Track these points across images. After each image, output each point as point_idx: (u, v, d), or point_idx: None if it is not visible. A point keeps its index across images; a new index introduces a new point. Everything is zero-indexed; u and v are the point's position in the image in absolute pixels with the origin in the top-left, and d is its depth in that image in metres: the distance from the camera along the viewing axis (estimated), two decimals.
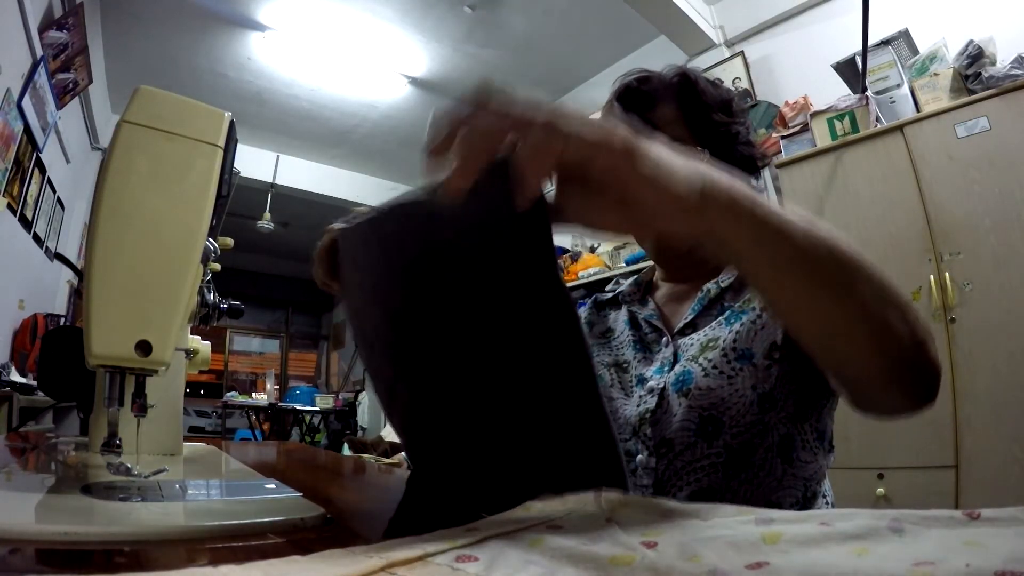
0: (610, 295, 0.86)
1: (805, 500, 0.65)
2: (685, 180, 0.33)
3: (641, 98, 0.73)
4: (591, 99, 3.94)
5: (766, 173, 2.53)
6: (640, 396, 0.70)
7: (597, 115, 0.48)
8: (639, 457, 0.67)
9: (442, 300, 0.35)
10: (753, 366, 0.62)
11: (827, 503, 0.67)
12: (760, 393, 0.61)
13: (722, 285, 0.72)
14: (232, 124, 0.52)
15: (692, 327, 0.72)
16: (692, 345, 0.69)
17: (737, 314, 0.67)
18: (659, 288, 0.82)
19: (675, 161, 0.34)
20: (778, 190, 2.43)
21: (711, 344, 0.67)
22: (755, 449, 0.61)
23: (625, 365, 0.75)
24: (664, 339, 0.73)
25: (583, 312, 0.87)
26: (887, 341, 0.39)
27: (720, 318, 0.69)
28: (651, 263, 0.87)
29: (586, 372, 0.33)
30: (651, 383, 0.69)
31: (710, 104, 0.73)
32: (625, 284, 0.84)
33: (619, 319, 0.81)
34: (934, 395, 0.44)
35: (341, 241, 0.43)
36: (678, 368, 0.67)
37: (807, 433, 0.63)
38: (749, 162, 0.77)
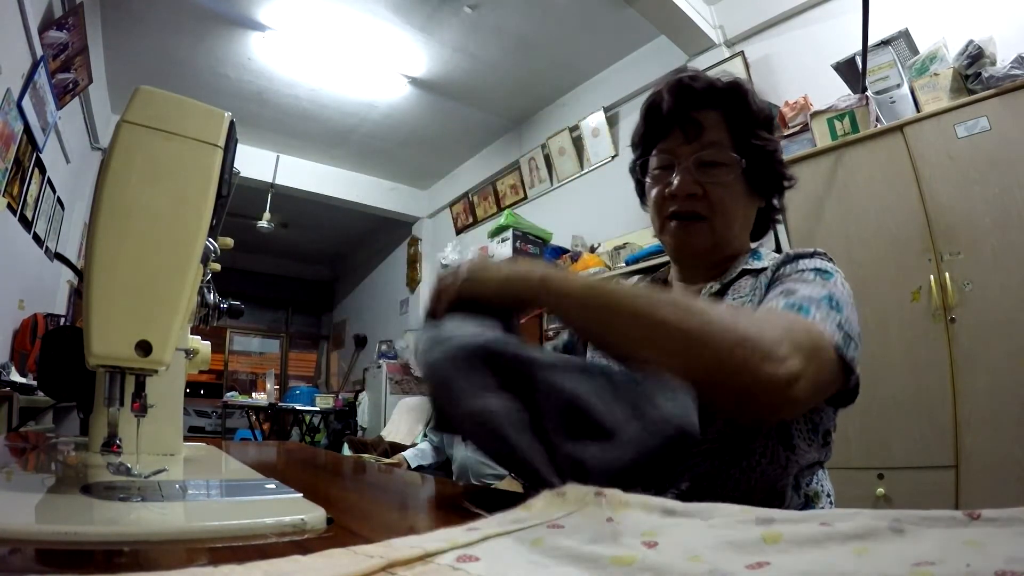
0: None
1: (806, 498, 0.66)
2: (527, 273, 0.54)
3: (691, 95, 0.74)
4: (591, 99, 3.94)
5: None
6: None
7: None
8: None
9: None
10: None
11: (830, 503, 0.68)
12: None
13: (723, 282, 0.74)
14: (232, 124, 0.52)
15: None
16: None
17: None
18: (672, 290, 0.83)
19: (520, 266, 0.56)
20: None
21: None
22: (754, 436, 0.62)
23: None
24: None
25: None
26: (691, 371, 0.47)
27: None
28: (661, 265, 0.90)
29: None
30: None
31: (756, 118, 0.74)
32: (642, 285, 0.86)
33: None
34: (777, 409, 0.52)
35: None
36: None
37: (800, 424, 0.65)
38: (778, 180, 0.78)
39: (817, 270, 0.65)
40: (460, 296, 0.55)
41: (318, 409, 4.83)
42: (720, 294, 0.73)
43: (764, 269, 0.72)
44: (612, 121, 3.81)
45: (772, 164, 0.76)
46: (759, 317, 0.55)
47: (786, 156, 2.26)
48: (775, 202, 0.81)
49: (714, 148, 0.72)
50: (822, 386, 0.56)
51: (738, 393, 0.49)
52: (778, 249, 2.68)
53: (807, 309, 0.57)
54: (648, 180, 0.79)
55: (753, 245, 0.83)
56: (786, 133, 2.43)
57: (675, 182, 0.73)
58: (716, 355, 0.48)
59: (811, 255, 0.70)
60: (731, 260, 0.77)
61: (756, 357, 0.48)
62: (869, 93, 2.18)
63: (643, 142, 0.80)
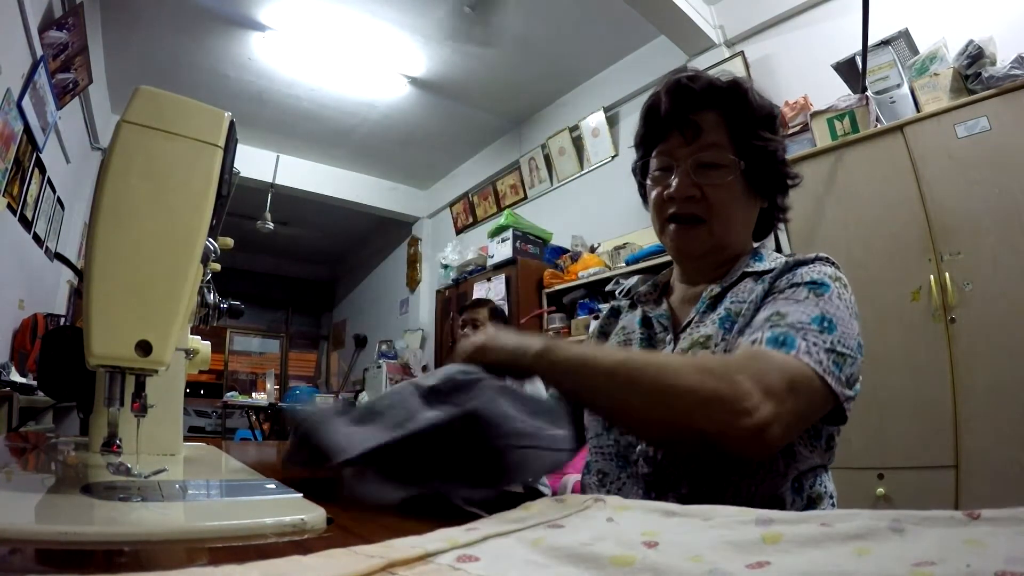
0: (627, 301, 0.89)
1: (809, 500, 0.65)
2: (528, 347, 0.62)
3: (689, 96, 0.74)
4: (591, 99, 3.94)
5: None
6: None
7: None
8: (639, 447, 0.68)
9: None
10: None
11: (832, 504, 0.68)
12: None
13: (723, 285, 0.73)
14: (232, 124, 0.52)
15: (692, 325, 0.73)
16: (684, 341, 0.71)
17: (732, 319, 0.68)
18: (674, 291, 0.83)
19: (518, 338, 0.64)
20: None
21: (701, 341, 0.68)
22: None
23: None
24: (668, 337, 0.75)
25: (596, 325, 0.93)
26: (665, 429, 0.56)
27: (714, 316, 0.70)
28: (663, 267, 0.91)
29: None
30: None
31: (756, 117, 0.74)
32: (643, 285, 0.86)
33: (633, 319, 0.84)
34: (752, 455, 0.54)
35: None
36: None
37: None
38: (780, 179, 0.78)
39: (812, 284, 0.65)
40: (471, 360, 0.63)
41: None
42: (720, 297, 0.73)
43: (765, 272, 0.72)
44: (612, 121, 3.81)
45: (773, 164, 0.75)
46: (731, 365, 0.55)
47: (786, 156, 2.28)
48: (779, 201, 0.81)
49: (712, 150, 0.72)
50: (805, 417, 0.58)
51: (713, 444, 0.53)
52: (778, 248, 2.68)
53: (791, 341, 0.57)
54: (648, 182, 0.79)
55: (756, 244, 0.82)
56: (786, 133, 2.43)
57: (673, 184, 0.73)
58: (687, 414, 0.53)
59: (812, 261, 0.69)
60: (733, 261, 0.77)
61: (725, 412, 0.51)
62: (869, 93, 2.18)
63: (643, 144, 0.80)
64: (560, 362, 0.59)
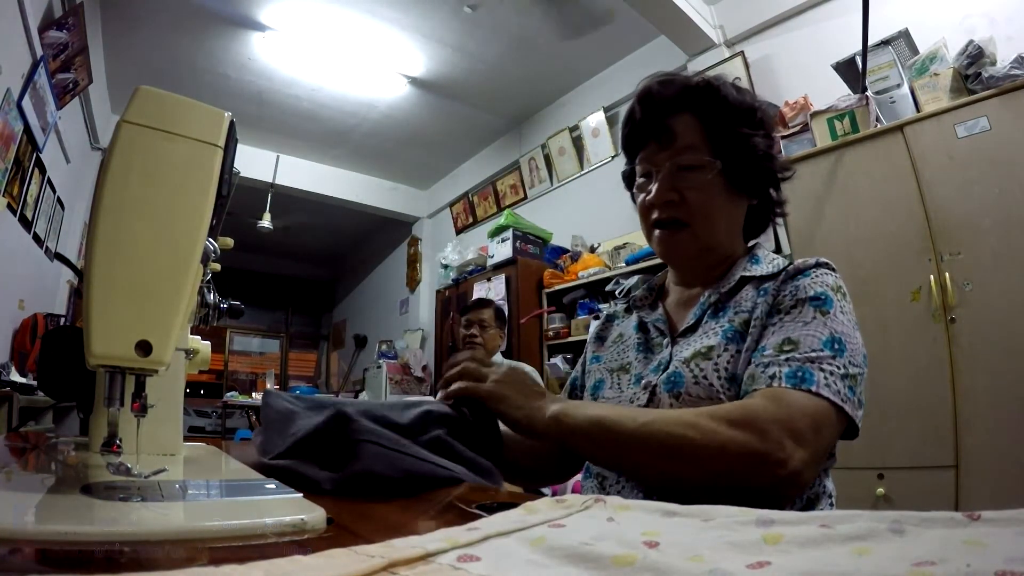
0: (623, 306, 0.89)
1: (808, 501, 0.65)
2: (541, 411, 0.63)
3: (661, 102, 0.74)
4: (591, 99, 3.94)
5: None
6: (633, 392, 0.72)
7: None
8: None
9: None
10: (740, 389, 0.64)
11: (831, 504, 0.68)
12: None
13: (722, 291, 0.73)
14: (232, 124, 0.52)
15: (692, 331, 0.73)
16: (685, 348, 0.71)
17: (736, 329, 0.68)
18: (670, 294, 0.83)
19: (526, 395, 0.66)
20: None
21: (704, 352, 0.68)
22: None
23: (627, 367, 0.78)
24: (665, 341, 0.75)
25: (593, 329, 0.94)
26: (697, 482, 0.55)
27: (716, 326, 0.70)
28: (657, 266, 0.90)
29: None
30: (645, 380, 0.72)
31: (733, 114, 0.73)
32: (639, 289, 0.86)
33: (629, 324, 0.84)
34: (786, 495, 0.56)
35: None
36: (671, 369, 0.69)
37: None
38: (768, 175, 0.77)
39: (815, 300, 0.65)
40: (477, 398, 0.65)
41: None
42: (719, 304, 0.73)
43: (766, 277, 0.71)
44: (612, 121, 3.81)
45: (755, 159, 0.74)
46: (758, 415, 0.55)
47: (786, 156, 2.28)
48: (774, 195, 0.80)
49: (689, 152, 0.72)
50: (828, 449, 0.60)
51: (745, 492, 0.53)
52: (777, 248, 2.66)
53: (810, 377, 0.58)
54: (635, 190, 0.79)
55: (752, 242, 0.82)
56: (786, 133, 2.43)
57: (652, 191, 0.74)
58: (721, 473, 0.54)
59: (812, 268, 0.69)
60: (726, 263, 0.77)
61: (759, 465, 0.53)
62: (869, 93, 2.18)
63: (627, 153, 0.82)
64: (577, 428, 0.60)
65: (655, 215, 0.75)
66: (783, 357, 0.60)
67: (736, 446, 0.53)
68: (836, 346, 0.60)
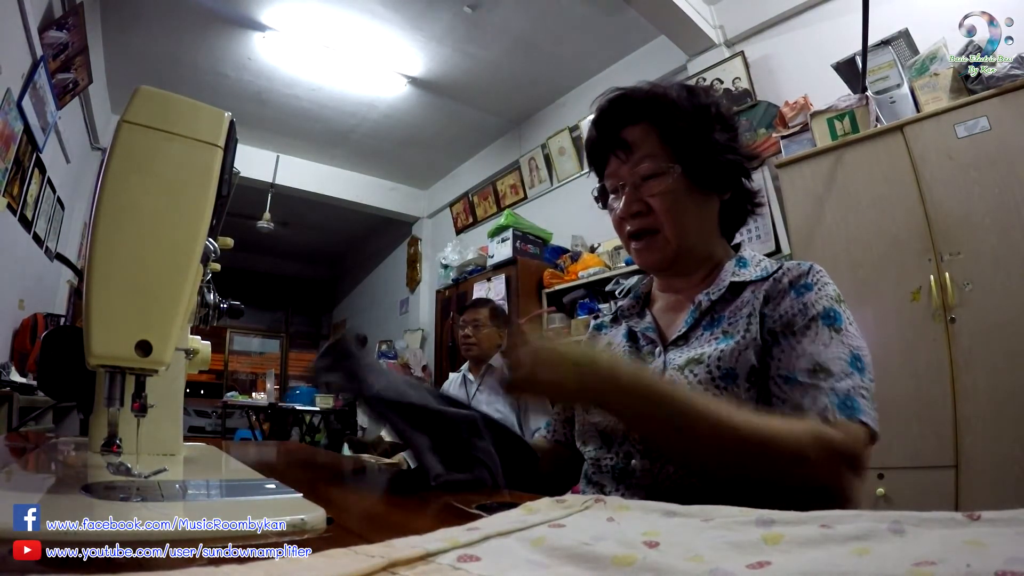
0: (609, 317, 0.90)
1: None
2: (595, 368, 0.60)
3: (612, 117, 0.76)
4: (591, 99, 3.93)
5: (765, 173, 2.52)
6: None
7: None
8: (633, 462, 0.69)
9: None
10: (736, 387, 0.64)
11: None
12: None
13: (712, 297, 0.73)
14: (232, 124, 0.52)
15: (684, 339, 0.73)
16: (678, 357, 0.71)
17: (726, 338, 0.68)
18: (657, 300, 0.84)
19: (585, 361, 0.61)
20: (778, 190, 2.43)
21: (696, 359, 0.68)
22: None
23: None
24: (657, 350, 0.75)
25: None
26: (753, 476, 0.56)
27: (709, 335, 0.70)
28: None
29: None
30: None
31: (685, 116, 0.74)
32: (624, 300, 0.87)
33: (618, 335, 0.84)
34: (835, 484, 0.57)
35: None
36: (666, 376, 0.70)
37: None
38: (736, 167, 0.77)
39: (826, 318, 0.65)
40: (523, 392, 0.65)
41: (318, 409, 4.83)
42: (710, 311, 0.73)
43: (757, 281, 0.72)
44: None
45: (714, 156, 0.74)
46: (817, 432, 0.58)
47: (786, 156, 2.28)
48: (747, 185, 0.79)
49: (647, 161, 0.73)
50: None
51: (803, 488, 0.56)
52: (778, 248, 2.65)
53: (857, 407, 0.60)
54: (608, 207, 0.81)
55: (736, 242, 0.82)
56: (786, 133, 2.43)
57: (619, 205, 0.76)
58: (790, 471, 0.56)
59: (806, 274, 0.69)
60: (708, 263, 0.77)
61: (822, 473, 0.56)
62: (869, 93, 2.18)
63: (595, 171, 0.84)
64: (645, 391, 0.59)
65: (628, 228, 0.77)
66: (830, 391, 0.61)
67: (800, 449, 0.55)
68: (858, 364, 0.62)
